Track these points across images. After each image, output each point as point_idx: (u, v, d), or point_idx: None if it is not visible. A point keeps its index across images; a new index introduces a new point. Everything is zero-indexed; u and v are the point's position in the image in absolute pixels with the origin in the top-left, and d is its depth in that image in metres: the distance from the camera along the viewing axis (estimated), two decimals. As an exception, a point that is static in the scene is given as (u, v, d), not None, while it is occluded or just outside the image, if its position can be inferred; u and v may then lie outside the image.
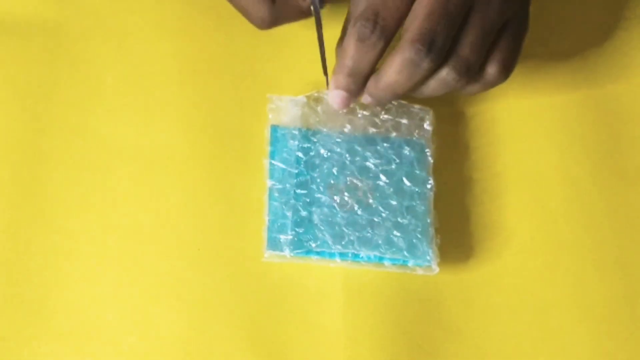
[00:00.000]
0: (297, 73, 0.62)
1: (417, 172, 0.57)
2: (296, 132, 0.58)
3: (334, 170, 0.57)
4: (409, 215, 0.56)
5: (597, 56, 0.64)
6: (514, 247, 0.58)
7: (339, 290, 0.56)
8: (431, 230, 0.56)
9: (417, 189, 0.57)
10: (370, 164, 0.57)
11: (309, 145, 0.58)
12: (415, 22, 0.51)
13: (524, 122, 0.62)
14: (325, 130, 0.58)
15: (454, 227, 0.58)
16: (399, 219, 0.56)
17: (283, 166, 0.57)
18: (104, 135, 0.60)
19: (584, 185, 0.60)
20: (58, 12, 0.63)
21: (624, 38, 0.65)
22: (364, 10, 0.52)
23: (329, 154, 0.58)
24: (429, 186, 0.57)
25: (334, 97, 0.54)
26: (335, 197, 0.56)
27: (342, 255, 0.55)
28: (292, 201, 0.56)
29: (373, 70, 0.53)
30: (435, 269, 0.55)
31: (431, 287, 0.56)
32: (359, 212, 0.56)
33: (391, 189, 0.56)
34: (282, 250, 0.55)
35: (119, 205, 0.58)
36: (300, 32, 0.60)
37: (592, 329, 0.55)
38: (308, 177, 0.57)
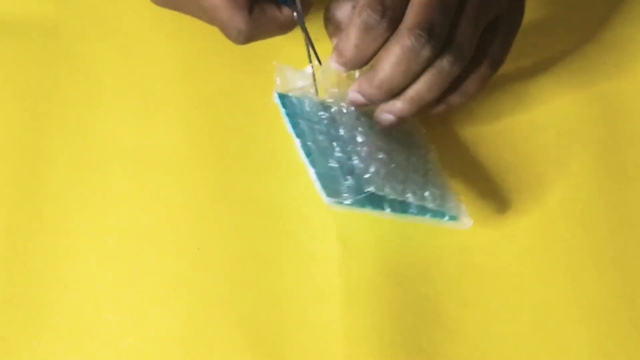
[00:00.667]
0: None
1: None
2: (306, 99, 0.58)
3: (357, 125, 0.56)
4: (429, 174, 0.56)
5: (596, 53, 0.64)
6: (512, 246, 0.58)
7: (338, 290, 0.56)
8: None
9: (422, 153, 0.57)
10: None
11: (323, 111, 0.57)
12: (412, 11, 0.51)
13: (522, 120, 0.62)
14: (332, 101, 0.57)
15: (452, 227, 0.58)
16: (424, 174, 0.56)
17: (309, 123, 0.57)
18: (103, 135, 0.60)
19: (582, 183, 0.60)
20: (57, 12, 0.63)
21: (623, 35, 0.65)
22: (419, 23, 0.51)
23: (345, 117, 0.56)
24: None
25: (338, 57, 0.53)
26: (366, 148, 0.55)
27: (392, 207, 0.55)
28: (336, 153, 0.55)
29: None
30: (469, 222, 0.55)
31: (430, 286, 0.56)
32: (393, 162, 0.55)
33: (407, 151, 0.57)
34: (341, 198, 0.54)
35: (119, 205, 0.58)
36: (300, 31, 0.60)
37: (591, 328, 0.55)
38: (334, 133, 0.56)
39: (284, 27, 0.56)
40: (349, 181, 0.54)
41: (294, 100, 0.58)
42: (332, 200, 0.54)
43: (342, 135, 0.56)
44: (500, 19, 0.54)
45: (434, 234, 0.58)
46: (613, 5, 0.66)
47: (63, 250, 0.56)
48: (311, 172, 0.55)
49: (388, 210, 0.55)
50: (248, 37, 0.55)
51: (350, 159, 0.55)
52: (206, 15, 0.55)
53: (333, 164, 0.55)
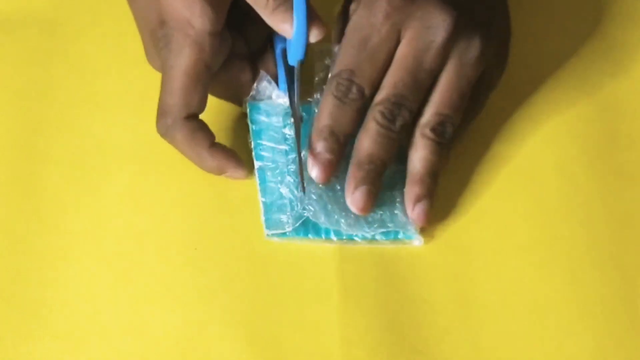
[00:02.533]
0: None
1: None
2: (277, 108, 0.58)
3: None
4: (392, 189, 0.57)
5: (594, 54, 0.64)
6: (510, 245, 0.58)
7: (335, 291, 0.56)
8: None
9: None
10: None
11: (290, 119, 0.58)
12: (384, 89, 0.54)
13: (520, 120, 0.62)
14: (309, 99, 0.58)
15: (450, 225, 0.58)
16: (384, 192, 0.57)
17: (271, 144, 0.57)
18: (100, 134, 0.60)
19: (580, 182, 0.59)
20: (54, 11, 0.63)
21: (620, 36, 0.64)
22: (340, 70, 0.54)
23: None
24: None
25: (315, 163, 0.55)
26: None
27: (337, 234, 0.56)
28: (286, 179, 0.56)
29: (353, 131, 0.55)
30: (419, 240, 0.56)
31: (426, 286, 0.56)
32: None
33: None
34: (283, 228, 0.56)
35: (116, 205, 0.58)
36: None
37: (589, 327, 0.55)
38: (296, 152, 0.57)
39: (242, 86, 0.58)
40: (292, 212, 0.56)
41: (262, 111, 0.58)
42: (272, 232, 0.56)
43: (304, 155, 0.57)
44: (484, 74, 0.56)
45: (430, 234, 0.58)
46: (610, 8, 0.66)
47: (60, 250, 0.57)
48: (260, 200, 0.57)
49: (334, 237, 0.56)
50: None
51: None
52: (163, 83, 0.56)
53: (284, 192, 0.57)
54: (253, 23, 0.53)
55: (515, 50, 0.61)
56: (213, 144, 0.57)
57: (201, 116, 0.57)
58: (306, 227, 0.56)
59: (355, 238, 0.56)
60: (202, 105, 0.56)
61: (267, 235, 0.56)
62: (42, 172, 0.59)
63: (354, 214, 0.56)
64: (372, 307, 0.56)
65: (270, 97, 0.58)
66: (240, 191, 0.58)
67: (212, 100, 0.58)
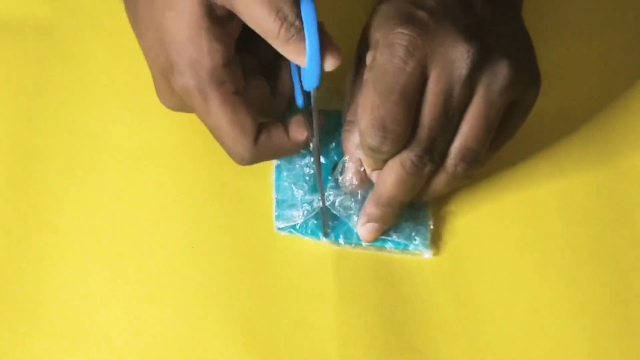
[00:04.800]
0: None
1: None
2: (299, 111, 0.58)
3: (339, 150, 0.57)
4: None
5: (593, 59, 0.64)
6: (508, 245, 0.58)
7: (332, 290, 0.56)
8: (428, 216, 0.57)
9: None
10: None
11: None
12: (416, 133, 0.51)
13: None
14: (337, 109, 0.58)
15: (448, 225, 0.58)
16: None
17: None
18: (97, 133, 0.60)
19: (578, 182, 0.60)
20: (51, 11, 0.62)
21: (618, 36, 0.65)
22: (373, 124, 0.51)
23: (334, 134, 0.58)
24: None
25: (366, 230, 0.55)
26: (339, 179, 0.57)
27: (346, 238, 0.57)
28: (301, 182, 0.57)
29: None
30: (428, 253, 0.57)
31: (424, 286, 0.57)
32: (359, 195, 0.57)
33: None
34: (294, 222, 0.56)
35: (113, 203, 0.58)
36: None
37: (586, 327, 0.56)
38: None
39: (290, 153, 0.56)
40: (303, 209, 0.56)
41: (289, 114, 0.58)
42: (283, 225, 0.57)
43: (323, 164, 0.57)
44: (516, 102, 0.53)
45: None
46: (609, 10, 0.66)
47: (57, 249, 0.56)
48: (273, 196, 0.57)
49: (342, 241, 0.57)
50: (251, 162, 0.54)
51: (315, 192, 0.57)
52: (212, 133, 0.54)
53: (297, 194, 0.57)
54: (259, 36, 0.51)
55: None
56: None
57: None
58: (317, 227, 0.57)
59: (364, 243, 0.56)
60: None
61: (278, 228, 0.57)
62: (39, 171, 0.58)
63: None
64: (369, 306, 0.56)
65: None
66: (238, 191, 0.58)
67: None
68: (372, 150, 0.52)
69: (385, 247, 0.57)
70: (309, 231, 0.57)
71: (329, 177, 0.57)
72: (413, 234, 0.57)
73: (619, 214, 0.59)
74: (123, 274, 0.56)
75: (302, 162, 0.57)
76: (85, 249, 0.57)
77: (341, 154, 0.57)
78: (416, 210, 0.57)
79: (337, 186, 0.56)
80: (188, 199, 0.58)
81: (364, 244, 0.57)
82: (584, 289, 0.57)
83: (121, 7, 0.58)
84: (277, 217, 0.57)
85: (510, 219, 0.59)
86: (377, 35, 0.51)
